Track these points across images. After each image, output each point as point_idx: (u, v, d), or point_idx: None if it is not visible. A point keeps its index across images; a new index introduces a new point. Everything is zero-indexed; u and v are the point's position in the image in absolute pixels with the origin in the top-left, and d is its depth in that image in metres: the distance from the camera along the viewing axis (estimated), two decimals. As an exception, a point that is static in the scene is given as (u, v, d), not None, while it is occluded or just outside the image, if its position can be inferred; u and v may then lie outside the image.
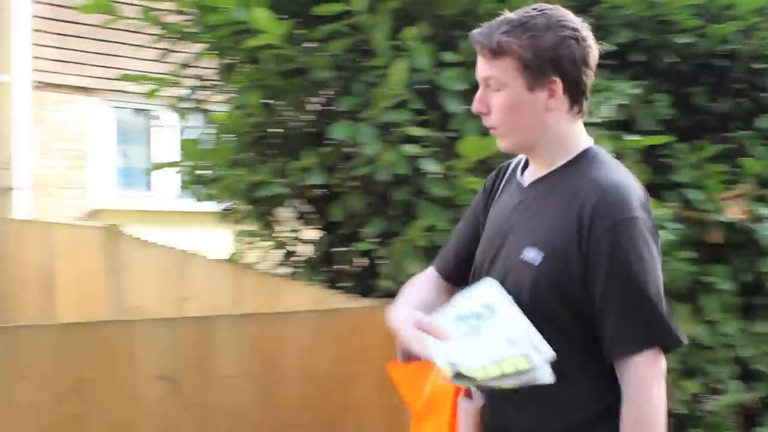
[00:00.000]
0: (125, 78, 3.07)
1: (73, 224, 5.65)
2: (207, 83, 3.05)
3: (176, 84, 3.12)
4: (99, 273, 3.89)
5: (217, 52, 2.81)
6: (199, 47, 2.93)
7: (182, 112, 3.15)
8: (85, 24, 6.31)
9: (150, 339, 2.02)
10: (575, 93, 1.42)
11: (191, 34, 2.84)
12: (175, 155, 4.75)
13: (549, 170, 1.44)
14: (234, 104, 2.92)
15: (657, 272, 1.36)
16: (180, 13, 2.85)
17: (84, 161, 7.26)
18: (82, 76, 7.06)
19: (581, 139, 1.47)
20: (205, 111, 3.11)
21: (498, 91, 1.40)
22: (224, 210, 3.07)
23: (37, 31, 6.83)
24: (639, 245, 1.33)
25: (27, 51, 6.78)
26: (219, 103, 3.14)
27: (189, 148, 2.83)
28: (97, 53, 6.98)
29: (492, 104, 1.41)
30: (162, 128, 7.35)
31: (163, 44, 3.04)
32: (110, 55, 6.84)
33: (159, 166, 3.28)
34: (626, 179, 1.40)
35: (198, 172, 2.89)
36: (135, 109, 7.55)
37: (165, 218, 6.85)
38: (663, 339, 1.35)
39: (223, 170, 2.77)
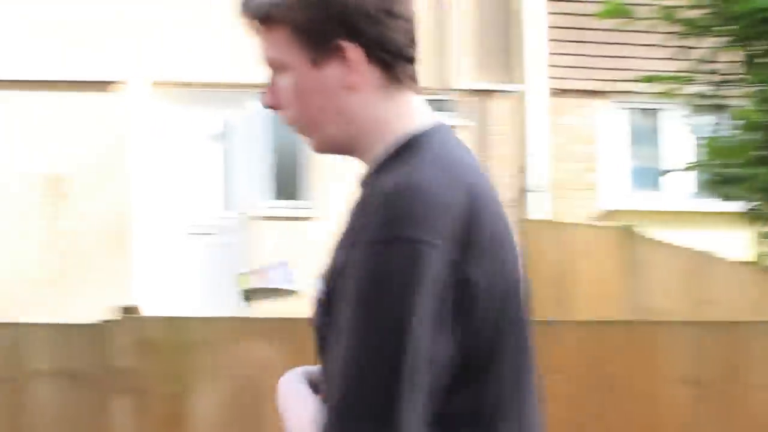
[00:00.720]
0: (644, 79, 3.12)
1: (589, 224, 5.95)
2: (726, 78, 2.90)
3: (692, 81, 3.05)
4: (614, 272, 4.03)
5: (740, 44, 2.65)
6: (717, 41, 2.81)
7: (699, 110, 3.06)
8: (599, 29, 6.55)
9: (674, 341, 2.02)
10: (385, 57, 0.99)
11: (710, 27, 2.74)
12: (687, 155, 4.60)
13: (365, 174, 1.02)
14: (758, 98, 2.72)
15: (395, 330, 0.85)
16: (697, 7, 2.78)
17: (595, 163, 7.57)
18: (593, 80, 7.38)
19: (407, 122, 1.01)
20: (725, 107, 2.96)
21: (281, 75, 1.01)
22: (749, 210, 2.87)
23: (553, 41, 7.40)
24: (374, 282, 0.87)
25: (543, 61, 7.41)
26: (739, 98, 2.95)
27: (712, 146, 2.73)
28: (608, 56, 7.24)
29: (281, 94, 1.02)
30: (673, 127, 7.21)
31: (678, 41, 3.00)
32: (621, 57, 7.02)
33: (678, 169, 3.24)
34: (416, 178, 0.92)
35: (719, 171, 2.77)
36: (644, 109, 7.59)
37: (676, 218, 6.70)
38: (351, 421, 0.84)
39: (746, 168, 2.60)
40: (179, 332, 2.58)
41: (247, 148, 7.19)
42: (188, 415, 2.51)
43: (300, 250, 6.89)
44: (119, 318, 2.57)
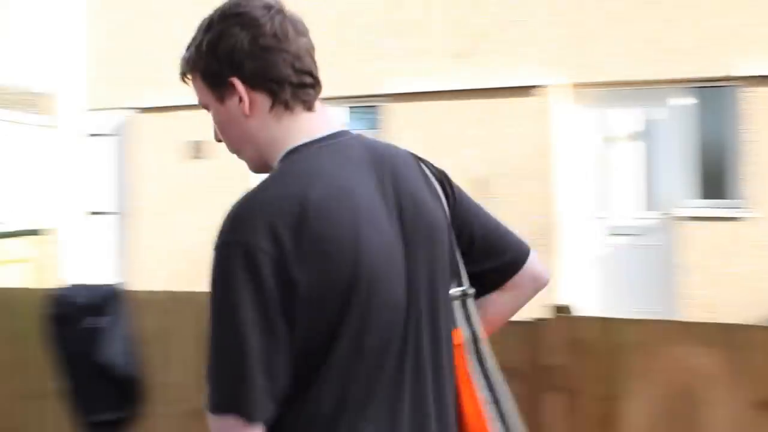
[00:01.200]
0: None
1: None
2: None
3: None
4: None
5: None
6: None
7: None
8: None
9: None
10: (270, 86, 1.19)
11: None
12: None
13: None
14: None
15: (235, 316, 1.06)
16: None
17: None
18: None
19: (292, 140, 1.21)
20: None
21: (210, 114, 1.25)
22: None
23: None
24: (217, 279, 1.11)
25: None
26: None
27: None
28: None
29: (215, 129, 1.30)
30: None
31: None
32: None
33: None
34: (260, 192, 1.15)
35: None
36: None
37: None
38: (215, 405, 1.12)
39: None
40: (612, 333, 2.59)
41: (670, 146, 6.91)
42: (619, 417, 2.53)
43: (729, 251, 6.37)
44: (552, 317, 2.67)
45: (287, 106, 1.22)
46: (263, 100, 1.21)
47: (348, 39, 7.44)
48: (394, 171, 1.28)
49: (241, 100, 1.21)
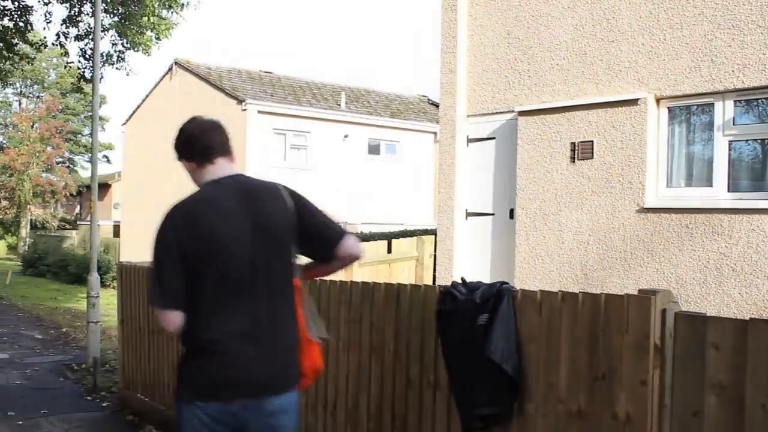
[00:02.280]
0: None
1: None
2: None
3: None
4: None
5: None
6: None
7: None
8: None
9: None
10: (194, 158, 2.92)
11: None
12: None
13: None
14: None
15: (158, 255, 2.69)
16: None
17: None
18: None
19: (202, 181, 2.90)
20: None
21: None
22: None
23: None
24: (155, 243, 2.71)
25: None
26: None
27: None
28: None
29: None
30: None
31: None
32: None
33: None
34: (178, 203, 2.81)
35: None
36: None
37: None
38: (151, 301, 2.76)
39: None
40: None
41: None
42: None
43: None
44: None
45: (201, 165, 2.89)
46: (192, 164, 2.93)
47: None
48: (254, 195, 2.77)
49: (187, 165, 2.95)
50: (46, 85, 50.75)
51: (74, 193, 41.94)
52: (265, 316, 2.68)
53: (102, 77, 16.94)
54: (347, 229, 2.93)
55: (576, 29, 7.89)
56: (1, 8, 15.42)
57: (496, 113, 8.74)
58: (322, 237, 2.87)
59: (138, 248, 26.25)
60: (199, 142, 2.85)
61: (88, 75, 16.14)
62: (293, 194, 2.87)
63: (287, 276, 2.78)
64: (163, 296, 2.65)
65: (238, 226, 2.66)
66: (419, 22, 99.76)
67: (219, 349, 2.62)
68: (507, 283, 3.30)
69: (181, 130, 2.95)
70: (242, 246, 2.65)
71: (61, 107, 47.79)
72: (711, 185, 6.96)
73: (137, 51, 16.91)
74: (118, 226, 33.19)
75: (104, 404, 7.60)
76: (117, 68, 16.98)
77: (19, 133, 41.14)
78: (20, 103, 51.63)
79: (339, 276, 3.64)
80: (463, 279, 3.51)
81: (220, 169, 2.82)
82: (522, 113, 8.34)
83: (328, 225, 2.90)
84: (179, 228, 2.66)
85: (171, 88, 26.56)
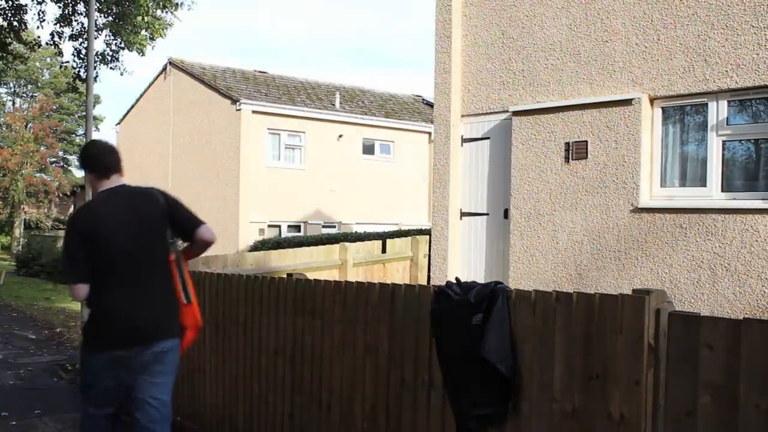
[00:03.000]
0: None
1: None
2: None
3: None
4: None
5: None
6: None
7: None
8: None
9: None
10: (95, 172, 3.94)
11: None
12: None
13: None
14: None
15: (66, 243, 3.81)
16: None
17: None
18: None
19: (100, 189, 3.93)
20: None
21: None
22: None
23: None
24: (65, 235, 3.99)
25: None
26: None
27: None
28: None
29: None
30: None
31: None
32: None
33: None
34: (83, 206, 3.96)
35: None
36: None
37: None
38: (65, 278, 3.92)
39: None
40: None
41: None
42: None
43: None
44: None
45: (100, 178, 3.91)
46: (93, 176, 3.95)
47: None
48: (135, 198, 3.90)
49: (90, 178, 3.96)
50: (39, 84, 50.58)
51: (68, 193, 41.78)
52: (145, 286, 3.81)
53: (98, 76, 16.87)
54: (204, 222, 4.00)
55: (570, 29, 7.91)
56: (-5, 7, 15.36)
57: (491, 113, 8.74)
58: (184, 226, 3.97)
59: (132, 248, 26.14)
60: (99, 162, 3.93)
61: (83, 74, 16.09)
62: (165, 196, 3.99)
63: (163, 254, 3.92)
64: (72, 273, 3.75)
65: (122, 220, 3.78)
66: (415, 24, 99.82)
67: (112, 313, 3.75)
68: (501, 283, 3.30)
69: (86, 151, 4.08)
70: (126, 235, 3.76)
71: (55, 107, 47.64)
72: (705, 185, 6.98)
73: (131, 51, 16.87)
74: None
75: (98, 405, 7.55)
76: (111, 68, 16.94)
77: (13, 132, 40.98)
78: (14, 103, 51.46)
79: (334, 276, 3.63)
80: (457, 279, 3.51)
81: (112, 182, 3.92)
82: (516, 113, 8.36)
83: (188, 218, 3.99)
84: (81, 223, 3.81)
85: (165, 88, 26.51)
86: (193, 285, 4.16)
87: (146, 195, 3.93)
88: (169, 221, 3.90)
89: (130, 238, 3.75)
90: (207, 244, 3.99)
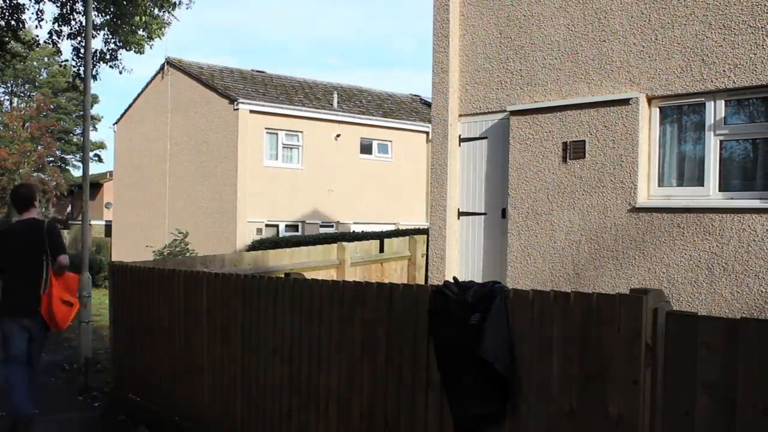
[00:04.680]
0: None
1: None
2: None
3: None
4: None
5: None
6: None
7: None
8: None
9: None
10: (14, 206, 6.39)
11: None
12: None
13: None
14: None
15: None
16: None
17: None
18: None
19: (18, 219, 6.32)
20: None
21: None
22: None
23: None
24: None
25: None
26: None
27: None
28: None
29: None
30: None
31: None
32: None
33: None
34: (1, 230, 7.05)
35: None
36: None
37: None
38: None
39: None
40: None
41: None
42: None
43: None
44: None
45: (18, 212, 6.24)
46: (16, 210, 6.35)
47: None
48: (31, 228, 6.08)
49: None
50: (37, 84, 50.48)
51: (66, 193, 41.73)
52: (28, 286, 5.95)
53: (98, 75, 16.82)
54: (66, 252, 6.21)
55: (568, 29, 7.91)
56: (-8, 6, 15.33)
57: (488, 113, 8.74)
58: (53, 251, 6.02)
59: (129, 248, 26.13)
60: (17, 202, 6.23)
61: (82, 73, 16.05)
62: (49, 228, 6.10)
63: (41, 266, 5.97)
64: None
65: (21, 241, 6.01)
66: (414, 21, 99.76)
67: (14, 298, 5.97)
68: (499, 283, 3.30)
69: (12, 193, 6.38)
70: (20, 252, 5.98)
71: (52, 106, 47.55)
72: (702, 185, 6.98)
73: (129, 50, 16.84)
74: (110, 225, 33.05)
75: (96, 404, 7.57)
76: (111, 66, 16.90)
77: (10, 132, 40.90)
78: (11, 102, 51.36)
79: (332, 275, 3.61)
80: (455, 278, 3.51)
81: (26, 215, 6.15)
82: (514, 113, 8.36)
83: (56, 247, 6.06)
84: (1, 240, 6.19)
85: (163, 87, 26.47)
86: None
87: (36, 227, 6.07)
88: (48, 246, 6.00)
89: (23, 254, 5.99)
90: (62, 266, 6.06)
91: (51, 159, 45.22)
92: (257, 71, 27.72)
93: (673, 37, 7.08)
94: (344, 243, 10.90)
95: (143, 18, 15.95)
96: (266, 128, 23.58)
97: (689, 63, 6.96)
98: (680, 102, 7.17)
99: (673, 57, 7.07)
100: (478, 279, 8.75)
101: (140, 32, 16.57)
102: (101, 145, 52.71)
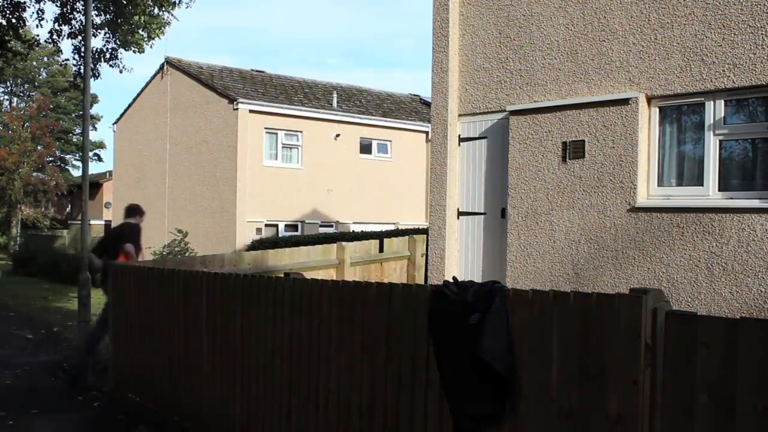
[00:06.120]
0: None
1: None
2: None
3: None
4: None
5: None
6: None
7: None
8: None
9: None
10: None
11: None
12: None
13: None
14: None
15: None
16: None
17: None
18: None
19: None
20: None
21: None
22: None
23: None
24: None
25: None
26: None
27: None
28: None
29: None
30: None
31: None
32: None
33: None
34: None
35: None
36: None
37: None
38: None
39: None
40: None
41: None
42: None
43: None
44: None
45: (124, 217, 9.04)
46: None
47: None
48: (119, 228, 9.62)
49: None
50: (37, 83, 50.44)
51: (65, 193, 41.70)
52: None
53: (99, 74, 16.78)
54: (129, 242, 8.38)
55: (567, 29, 7.91)
56: (-7, 5, 15.32)
57: (488, 112, 8.74)
58: (124, 242, 8.21)
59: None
60: (125, 212, 8.75)
61: (83, 72, 16.04)
62: (125, 229, 8.63)
63: (118, 251, 8.54)
64: None
65: (113, 236, 9.07)
66: (413, 22, 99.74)
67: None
68: (498, 283, 3.30)
69: (128, 206, 8.61)
70: (110, 242, 8.97)
71: (52, 106, 47.52)
72: (702, 184, 6.98)
73: (128, 50, 16.83)
74: (110, 225, 33.03)
75: (95, 404, 7.57)
76: (111, 65, 16.90)
77: (10, 132, 40.87)
78: (11, 102, 51.32)
79: (332, 275, 3.61)
80: (454, 278, 3.51)
81: (126, 220, 8.70)
82: (513, 113, 8.35)
83: (125, 240, 8.39)
84: (105, 236, 8.90)
85: (162, 87, 26.46)
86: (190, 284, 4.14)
87: (122, 227, 8.19)
88: (123, 239, 8.35)
89: (112, 241, 8.14)
90: (126, 251, 8.18)
91: (51, 159, 45.20)
92: (257, 71, 27.71)
93: (672, 37, 7.08)
94: (344, 243, 10.90)
95: (143, 17, 15.95)
96: (266, 128, 23.57)
97: (689, 63, 6.96)
98: (680, 102, 7.17)
99: (673, 57, 7.06)
100: (478, 279, 8.75)
101: (140, 32, 16.56)
102: (101, 145, 52.71)
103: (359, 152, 25.79)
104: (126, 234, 8.78)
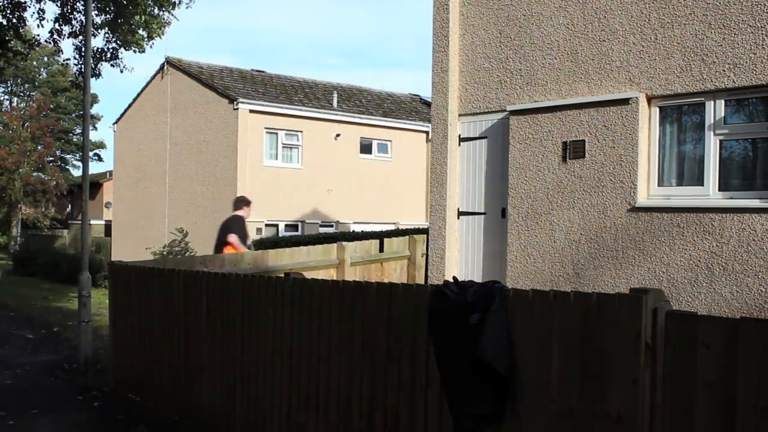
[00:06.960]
0: None
1: None
2: None
3: None
4: None
5: None
6: None
7: None
8: None
9: None
10: None
11: None
12: None
13: None
14: None
15: None
16: None
17: None
18: None
19: None
20: None
21: None
22: None
23: None
24: None
25: None
26: None
27: None
28: None
29: None
30: None
31: None
32: None
33: None
34: None
35: None
36: None
37: None
38: None
39: None
40: None
41: None
42: None
43: None
44: None
45: (233, 210, 9.95)
46: None
47: None
48: (227, 219, 10.17)
49: None
50: (37, 83, 50.45)
51: (65, 193, 41.71)
52: (215, 250, 9.17)
53: (100, 73, 16.77)
54: (233, 233, 9.19)
55: (567, 29, 7.90)
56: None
57: (488, 112, 8.74)
58: (229, 233, 9.44)
59: (129, 248, 26.11)
60: (233, 204, 9.64)
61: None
62: (230, 220, 9.55)
63: (224, 240, 9.66)
64: None
65: (222, 227, 9.54)
66: (413, 22, 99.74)
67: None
68: (499, 283, 3.30)
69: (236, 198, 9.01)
70: (220, 232, 9.84)
71: (52, 106, 47.52)
72: (702, 184, 6.98)
73: (129, 50, 16.83)
74: (110, 225, 33.04)
75: (95, 404, 7.56)
76: (112, 65, 16.90)
77: (10, 132, 40.88)
78: (11, 102, 51.33)
79: (332, 275, 3.61)
80: (455, 278, 3.51)
81: (234, 213, 9.89)
82: (514, 113, 8.35)
83: (230, 231, 9.41)
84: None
85: (163, 87, 26.46)
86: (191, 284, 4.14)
87: (228, 219, 8.34)
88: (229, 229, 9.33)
89: (221, 231, 9.11)
90: (228, 242, 8.89)
91: (51, 159, 45.20)
92: (257, 71, 27.71)
93: (672, 37, 7.08)
94: (344, 243, 10.89)
95: (143, 17, 15.95)
96: (266, 128, 23.57)
97: (689, 63, 6.95)
98: (680, 102, 7.17)
99: (673, 57, 7.06)
100: (478, 279, 8.74)
101: (140, 32, 16.56)
102: (101, 145, 52.71)
103: (359, 152, 25.79)
104: (231, 226, 9.63)
